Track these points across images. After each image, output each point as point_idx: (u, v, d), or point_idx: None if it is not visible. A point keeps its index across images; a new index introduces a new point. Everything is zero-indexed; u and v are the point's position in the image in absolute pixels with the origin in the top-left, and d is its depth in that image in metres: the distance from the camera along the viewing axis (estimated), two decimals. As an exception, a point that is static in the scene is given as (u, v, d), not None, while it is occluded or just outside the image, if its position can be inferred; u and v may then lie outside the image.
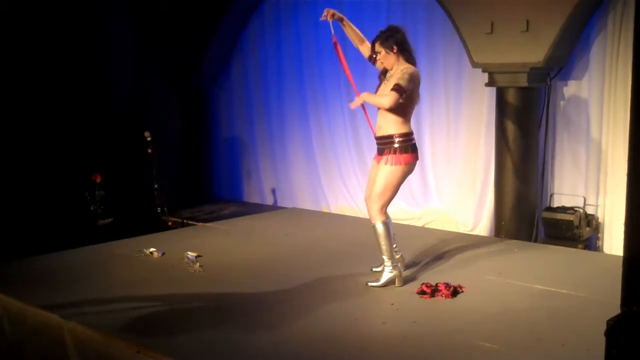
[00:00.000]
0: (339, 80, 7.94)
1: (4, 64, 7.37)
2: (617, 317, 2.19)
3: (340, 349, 3.60)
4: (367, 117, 4.86)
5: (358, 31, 4.90)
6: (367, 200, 4.70)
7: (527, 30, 5.90)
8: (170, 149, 8.84)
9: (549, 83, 6.35)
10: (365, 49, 4.85)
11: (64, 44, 7.78)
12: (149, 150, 7.49)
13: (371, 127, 4.81)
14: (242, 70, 9.13)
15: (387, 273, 4.62)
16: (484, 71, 6.39)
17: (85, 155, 7.84)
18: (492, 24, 6.09)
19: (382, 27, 4.74)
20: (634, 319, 2.14)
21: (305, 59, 8.35)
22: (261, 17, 8.78)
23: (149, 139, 7.47)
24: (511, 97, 6.23)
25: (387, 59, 4.59)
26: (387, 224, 4.62)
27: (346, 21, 4.85)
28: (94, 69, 8.07)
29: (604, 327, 2.20)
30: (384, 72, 4.71)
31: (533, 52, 5.93)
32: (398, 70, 4.54)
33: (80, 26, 7.91)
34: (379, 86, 4.71)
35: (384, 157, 4.58)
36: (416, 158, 4.66)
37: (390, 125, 4.56)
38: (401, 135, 4.55)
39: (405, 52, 4.59)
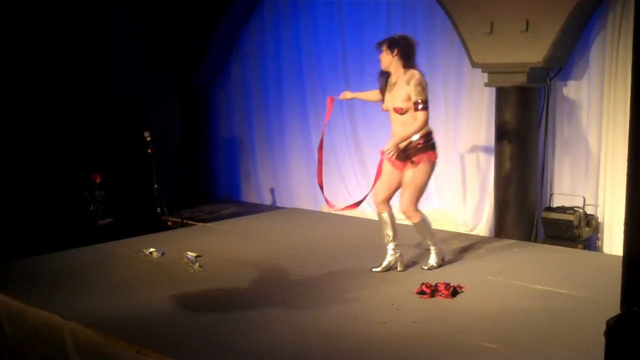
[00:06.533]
0: (339, 80, 7.94)
1: (3, 63, 7.37)
2: (617, 317, 2.19)
3: (340, 348, 3.60)
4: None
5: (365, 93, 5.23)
6: (403, 206, 4.92)
7: (527, 30, 5.90)
8: (170, 149, 8.85)
9: (548, 83, 6.35)
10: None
11: (64, 43, 7.78)
12: (149, 150, 7.49)
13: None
14: (242, 70, 9.12)
15: (434, 256, 4.99)
16: (483, 71, 6.39)
17: (85, 155, 7.84)
18: (492, 24, 6.10)
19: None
20: (634, 319, 2.14)
21: (305, 59, 8.35)
22: (261, 17, 8.77)
23: (149, 139, 7.46)
24: (511, 97, 6.23)
25: (383, 58, 4.79)
26: (425, 216, 5.00)
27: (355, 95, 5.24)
28: (93, 68, 8.07)
29: (604, 327, 2.20)
30: (385, 77, 4.84)
31: (533, 52, 5.94)
32: (403, 79, 4.70)
33: (80, 25, 7.90)
34: (383, 91, 4.89)
35: (417, 157, 4.78)
36: (437, 155, 4.93)
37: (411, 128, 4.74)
38: (425, 135, 4.81)
39: (404, 60, 4.75)
